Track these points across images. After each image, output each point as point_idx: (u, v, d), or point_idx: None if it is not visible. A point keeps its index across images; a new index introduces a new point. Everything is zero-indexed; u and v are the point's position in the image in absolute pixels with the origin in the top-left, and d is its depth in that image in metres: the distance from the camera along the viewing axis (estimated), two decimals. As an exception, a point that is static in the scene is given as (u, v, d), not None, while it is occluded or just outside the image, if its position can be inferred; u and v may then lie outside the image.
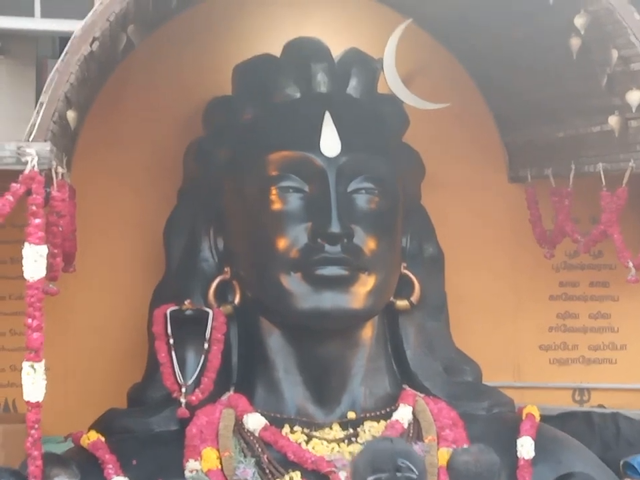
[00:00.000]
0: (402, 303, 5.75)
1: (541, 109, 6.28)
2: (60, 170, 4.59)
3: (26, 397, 4.30)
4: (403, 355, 5.79)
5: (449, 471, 4.29)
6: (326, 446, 5.21)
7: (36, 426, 4.32)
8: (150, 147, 6.23)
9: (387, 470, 2.99)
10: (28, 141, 4.40)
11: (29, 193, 4.31)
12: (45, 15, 6.35)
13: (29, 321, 4.29)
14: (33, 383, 4.27)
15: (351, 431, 5.30)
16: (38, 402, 4.29)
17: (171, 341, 5.49)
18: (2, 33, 7.49)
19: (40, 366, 4.30)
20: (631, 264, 5.36)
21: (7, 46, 8.02)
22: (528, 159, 6.65)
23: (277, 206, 5.41)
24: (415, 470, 3.22)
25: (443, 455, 5.18)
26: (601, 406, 6.83)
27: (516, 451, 5.38)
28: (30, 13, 6.34)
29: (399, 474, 2.99)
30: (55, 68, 4.51)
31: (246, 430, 5.25)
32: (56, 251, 4.54)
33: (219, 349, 5.49)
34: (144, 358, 5.70)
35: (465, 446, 4.91)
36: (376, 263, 5.43)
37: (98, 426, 5.41)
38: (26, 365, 4.28)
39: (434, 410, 5.46)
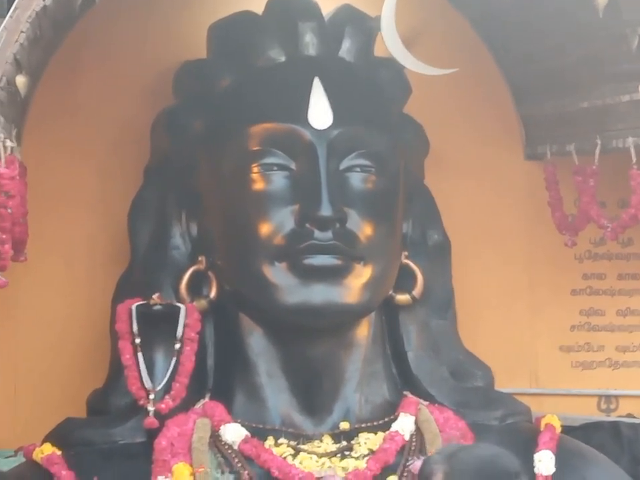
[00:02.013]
0: (403, 298, 5.76)
1: (562, 77, 6.27)
2: (8, 144, 4.58)
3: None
4: (404, 357, 5.80)
5: None
6: (315, 461, 5.20)
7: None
8: (113, 118, 6.21)
9: None
10: (-29, 108, 4.41)
11: (-30, 170, 4.33)
12: (-9, -34, 6.33)
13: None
14: (-24, 387, 4.29)
15: (344, 443, 5.31)
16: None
17: (137, 340, 5.45)
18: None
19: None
20: (665, 253, 5.38)
21: (-51, 3, 8.04)
22: (547, 133, 6.66)
23: (258, 186, 5.40)
24: None
25: (450, 470, 5.22)
26: (630, 415, 6.85)
27: (533, 467, 5.34)
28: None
29: None
30: (2, 26, 4.50)
31: (223, 443, 5.24)
32: (4, 236, 4.54)
33: (192, 349, 5.47)
34: (106, 360, 5.71)
35: (440, 449, 4.89)
36: (373, 251, 5.43)
37: (53, 438, 5.39)
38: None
39: (439, 420, 5.45)
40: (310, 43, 5.77)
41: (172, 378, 5.42)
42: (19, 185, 4.77)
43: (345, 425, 5.42)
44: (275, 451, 5.20)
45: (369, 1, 6.09)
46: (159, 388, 5.39)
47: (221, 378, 5.61)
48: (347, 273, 5.32)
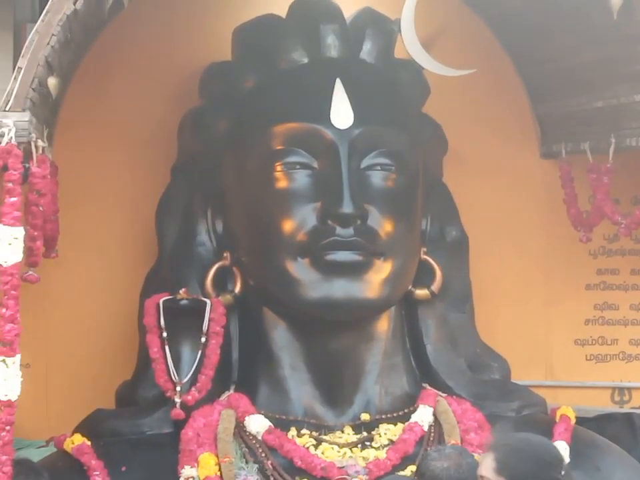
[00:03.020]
0: (422, 292, 5.74)
1: (577, 77, 6.23)
2: (40, 143, 4.56)
3: (-3, 395, 4.31)
4: (423, 350, 5.78)
5: (422, 479, 4.21)
6: (337, 451, 5.20)
7: (7, 428, 4.31)
8: (141, 119, 6.22)
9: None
10: (5, 110, 4.38)
11: (4, 168, 4.30)
12: (24, -28, 6.35)
13: (3, 310, 4.28)
14: (5, 379, 4.26)
15: (365, 434, 5.31)
16: (10, 401, 4.28)
17: (164, 334, 5.46)
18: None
19: (13, 361, 4.28)
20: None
21: (-19, 9, 8.05)
22: (562, 132, 6.61)
23: (282, 184, 5.39)
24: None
25: (469, 459, 5.20)
26: (643, 408, 6.84)
27: (549, 457, 5.35)
28: (7, -29, 6.34)
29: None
30: (34, 29, 4.48)
31: (248, 433, 5.24)
32: (36, 233, 4.52)
33: (217, 343, 5.46)
34: (134, 353, 5.71)
35: (438, 447, 4.85)
36: (393, 247, 5.40)
37: (83, 429, 5.40)
38: (-2, 360, 4.29)
39: (457, 411, 5.44)
40: (332, 45, 5.74)
41: (198, 370, 5.42)
42: (50, 183, 4.76)
43: (365, 416, 5.41)
44: (298, 441, 5.20)
45: (389, 4, 6.08)
46: (185, 380, 5.39)
47: (246, 370, 5.60)
48: (367, 269, 5.29)
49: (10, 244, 4.25)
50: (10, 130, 4.30)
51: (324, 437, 5.27)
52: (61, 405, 5.43)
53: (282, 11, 5.79)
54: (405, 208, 5.53)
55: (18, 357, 4.29)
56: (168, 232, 5.85)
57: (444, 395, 5.56)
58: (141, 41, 6.14)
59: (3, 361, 4.25)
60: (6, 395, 4.25)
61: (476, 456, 5.08)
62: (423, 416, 5.37)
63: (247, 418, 5.26)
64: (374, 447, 5.18)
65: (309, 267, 5.28)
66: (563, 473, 3.06)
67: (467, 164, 6.26)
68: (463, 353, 5.91)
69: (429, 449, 5.09)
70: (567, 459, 5.18)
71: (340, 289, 5.25)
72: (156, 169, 6.05)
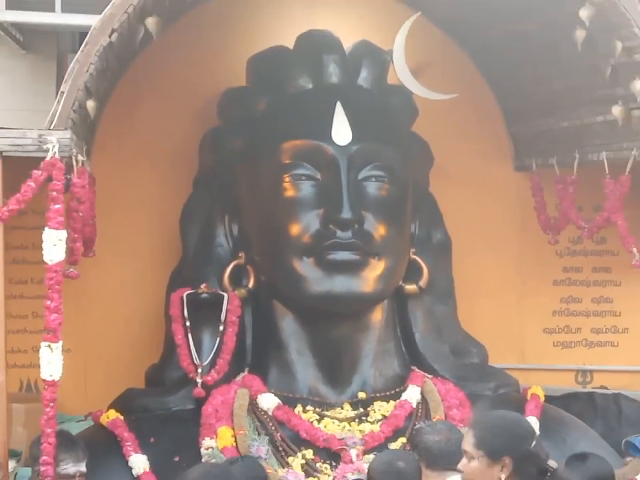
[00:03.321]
0: (411, 288, 5.72)
1: (546, 101, 6.24)
2: (80, 158, 4.58)
3: (42, 376, 4.30)
4: (412, 337, 5.77)
5: (416, 450, 4.10)
6: (337, 425, 5.20)
7: (51, 404, 4.32)
8: (167, 137, 6.21)
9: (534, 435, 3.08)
10: (49, 129, 4.39)
11: (49, 179, 4.31)
12: (65, 9, 6.34)
13: (48, 302, 4.28)
14: (50, 362, 4.27)
15: (361, 410, 5.30)
16: (54, 381, 4.29)
17: (188, 323, 5.47)
18: (24, 27, 7.49)
19: (57, 346, 4.29)
20: (635, 249, 5.32)
21: (29, 41, 8.03)
22: (533, 148, 6.62)
23: (289, 193, 5.39)
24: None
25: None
26: (603, 387, 6.81)
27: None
28: (51, 8, 6.33)
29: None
30: (75, 58, 4.49)
31: (260, 409, 5.24)
32: (76, 235, 4.54)
33: (233, 331, 5.47)
34: (161, 340, 5.70)
35: (430, 423, 4.83)
36: (386, 248, 5.40)
37: (117, 405, 5.40)
38: (43, 345, 4.28)
39: (442, 390, 5.43)
40: (333, 72, 5.73)
41: (216, 355, 5.43)
42: (88, 192, 4.77)
43: (362, 395, 5.40)
44: (303, 416, 5.20)
45: (382, 36, 6.05)
46: (205, 363, 5.39)
47: (258, 355, 5.59)
48: (364, 267, 5.29)
49: (55, 245, 4.26)
50: (54, 146, 4.31)
51: (326, 413, 5.26)
52: (97, 385, 5.44)
53: (289, 43, 5.79)
54: (396, 214, 5.52)
55: (60, 343, 4.30)
56: (190, 235, 5.85)
57: (430, 376, 5.55)
58: (166, 69, 6.14)
59: (48, 346, 4.26)
60: (50, 376, 4.26)
61: (459, 429, 5.12)
62: (412, 394, 5.37)
63: (259, 396, 5.26)
64: (369, 422, 5.18)
65: (313, 265, 5.28)
66: (533, 444, 3.05)
67: (451, 176, 6.24)
68: (446, 340, 5.90)
69: (417, 423, 5.09)
70: (537, 432, 5.19)
71: (340, 284, 5.25)
72: (180, 180, 6.02)
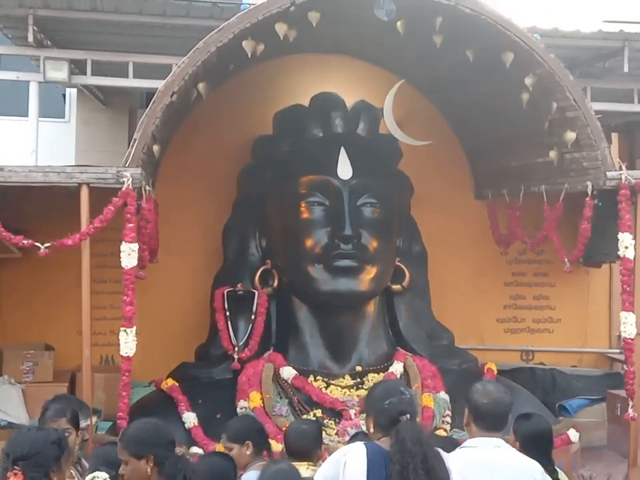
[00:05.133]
0: (396, 287, 5.73)
1: (499, 146, 6.26)
2: (147, 188, 4.62)
3: (121, 352, 4.35)
4: (397, 325, 5.76)
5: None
6: (340, 390, 5.20)
7: (127, 374, 4.38)
8: (212, 171, 6.23)
9: (395, 395, 2.99)
10: (125, 166, 4.44)
11: (125, 204, 4.36)
12: (136, 76, 6.37)
13: (124, 297, 4.34)
14: (126, 342, 4.33)
15: (358, 380, 5.29)
16: (129, 356, 4.35)
17: (227, 313, 5.49)
18: (104, 89, 7.56)
19: (131, 330, 4.34)
20: (566, 259, 5.35)
21: (108, 99, 8.11)
22: (489, 182, 6.63)
23: (305, 215, 5.40)
24: (410, 393, 3.22)
25: (426, 398, 5.17)
26: (541, 364, 6.83)
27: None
28: (125, 75, 6.36)
29: (402, 397, 2.99)
30: (144, 113, 4.54)
31: (281, 378, 5.24)
32: (144, 247, 4.58)
33: (262, 319, 5.50)
34: (207, 325, 5.70)
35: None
36: (377, 257, 5.40)
37: (173, 374, 5.43)
38: (122, 330, 4.33)
39: (419, 365, 5.42)
40: (338, 124, 5.76)
41: (249, 337, 5.45)
42: (153, 214, 4.81)
43: (359, 368, 5.41)
44: (314, 384, 5.20)
45: (375, 96, 6.09)
46: (240, 343, 5.42)
47: (280, 338, 5.59)
48: (361, 271, 5.30)
49: (129, 254, 4.31)
50: (128, 179, 4.36)
51: (331, 382, 5.26)
52: (158, 359, 5.44)
53: (305, 101, 5.82)
54: (385, 232, 5.52)
55: (134, 328, 4.34)
56: (230, 246, 5.87)
57: (410, 354, 5.53)
58: (212, 121, 6.17)
59: (125, 330, 4.30)
60: (126, 353, 4.31)
61: (432, 395, 5.12)
62: (396, 368, 5.37)
63: (281, 369, 5.26)
64: (364, 388, 5.13)
65: (323, 270, 5.29)
66: (388, 402, 2.98)
67: (426, 203, 6.22)
68: (423, 327, 5.89)
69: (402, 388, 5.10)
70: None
71: (343, 284, 5.27)
72: (222, 204, 6.03)
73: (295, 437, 3.60)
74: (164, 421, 3.52)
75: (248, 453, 3.59)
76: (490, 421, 3.05)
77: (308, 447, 3.54)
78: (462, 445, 3.17)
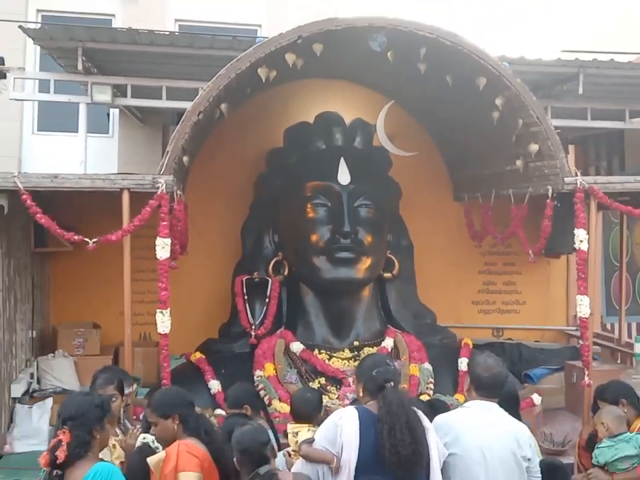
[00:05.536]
0: (387, 275, 5.73)
1: (474, 156, 6.24)
2: (178, 192, 4.62)
3: (158, 330, 4.36)
4: (388, 307, 5.76)
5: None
6: (340, 362, 5.22)
7: (165, 348, 4.39)
8: (233, 178, 6.22)
9: (382, 366, 3.02)
10: (159, 174, 4.44)
11: (159, 206, 4.37)
12: (168, 98, 6.38)
13: (159, 284, 4.34)
14: (162, 322, 4.34)
15: (356, 353, 5.29)
16: (166, 333, 4.36)
17: (246, 297, 5.49)
18: (141, 109, 7.55)
19: (166, 312, 4.35)
20: (530, 251, 5.35)
21: (145, 118, 8.10)
22: (465, 187, 6.62)
23: (311, 215, 5.40)
24: (395, 364, 3.26)
25: (412, 368, 5.20)
26: (509, 339, 6.82)
27: (457, 366, 5.37)
28: (159, 97, 6.37)
29: (388, 367, 3.02)
30: (176, 130, 4.53)
31: (291, 352, 5.26)
32: (176, 241, 4.59)
33: (274, 302, 5.51)
34: (228, 307, 5.71)
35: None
36: (371, 250, 5.40)
37: (200, 348, 5.45)
38: (158, 311, 4.34)
39: (407, 340, 5.44)
40: (338, 138, 5.76)
41: (264, 317, 5.46)
42: (183, 214, 4.82)
43: (356, 343, 5.41)
44: (319, 356, 5.22)
45: (369, 115, 6.07)
46: (257, 322, 5.43)
47: (290, 318, 5.59)
48: (357, 262, 5.31)
49: (163, 248, 4.32)
50: (162, 185, 4.37)
51: (333, 355, 5.27)
52: (188, 336, 5.41)
53: (310, 118, 5.83)
54: (378, 229, 5.52)
55: (168, 309, 4.35)
56: (247, 241, 5.87)
57: (399, 332, 5.55)
58: (233, 135, 6.15)
59: (161, 312, 4.31)
60: (163, 330, 4.33)
61: (417, 365, 5.11)
62: (387, 343, 5.39)
63: (291, 344, 5.28)
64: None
65: (325, 260, 5.29)
66: (376, 371, 3.01)
67: (412, 204, 6.23)
68: (410, 308, 5.90)
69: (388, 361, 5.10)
70: (466, 367, 5.10)
71: (343, 273, 5.27)
72: (240, 206, 6.03)
73: (299, 403, 3.60)
74: (193, 388, 3.58)
75: (248, 414, 3.63)
76: (489, 390, 3.09)
77: (310, 412, 3.54)
78: (463, 405, 3.21)
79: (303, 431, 3.35)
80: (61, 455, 2.62)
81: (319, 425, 3.12)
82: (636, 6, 10.10)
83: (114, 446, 3.33)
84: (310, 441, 2.95)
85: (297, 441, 3.28)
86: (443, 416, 3.13)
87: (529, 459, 3.03)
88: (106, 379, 3.59)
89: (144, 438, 3.32)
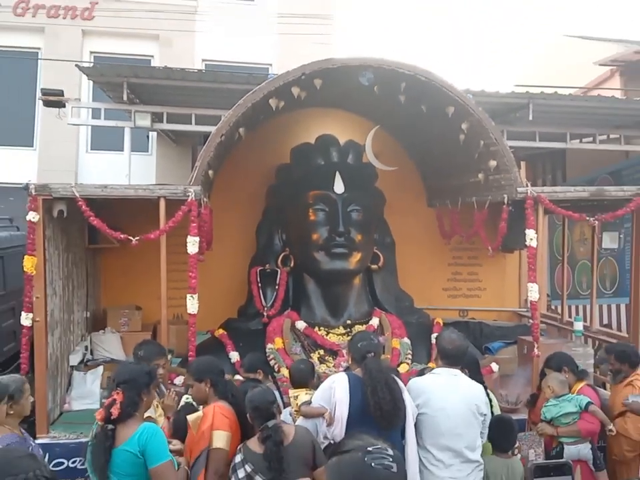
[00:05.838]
0: (374, 267, 5.72)
1: (444, 170, 6.22)
2: (205, 199, 4.61)
3: (188, 311, 4.35)
4: (374, 292, 5.75)
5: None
6: (336, 337, 5.22)
7: (193, 325, 4.38)
8: (249, 188, 6.19)
9: (366, 340, 3.04)
10: (189, 185, 4.44)
11: (189, 211, 4.36)
12: (197, 123, 6.39)
13: (190, 274, 4.33)
14: (192, 304, 4.33)
15: (349, 330, 5.29)
16: (194, 313, 4.35)
17: (259, 284, 5.51)
18: (175, 132, 7.55)
19: (195, 296, 4.34)
20: (490, 247, 5.34)
21: (178, 139, 8.11)
22: (437, 195, 6.59)
23: (312, 218, 5.38)
24: (378, 339, 3.29)
25: (394, 342, 5.20)
26: (472, 319, 6.80)
27: (431, 340, 5.35)
28: (189, 122, 6.38)
29: (371, 341, 3.05)
30: (203, 149, 4.52)
31: (297, 329, 5.26)
32: (203, 239, 4.57)
33: (283, 289, 5.51)
34: (245, 293, 5.70)
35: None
36: (361, 246, 5.39)
37: (223, 326, 5.44)
38: (188, 296, 4.33)
39: (389, 319, 5.44)
40: (334, 156, 5.72)
41: (274, 301, 5.45)
42: (209, 217, 4.78)
43: (349, 322, 5.41)
44: (319, 333, 5.22)
45: (359, 137, 6.07)
46: (268, 305, 5.43)
47: (295, 301, 5.58)
48: (350, 256, 5.29)
49: (192, 244, 4.31)
50: (192, 194, 4.36)
51: (330, 331, 5.27)
52: (212, 315, 5.41)
53: (312, 139, 5.81)
54: (367, 229, 5.50)
55: (196, 294, 4.34)
56: (261, 239, 5.85)
57: (384, 312, 5.54)
58: (248, 154, 6.12)
59: (191, 296, 4.29)
60: (192, 311, 4.31)
61: (398, 340, 5.09)
62: (374, 322, 5.38)
63: (296, 322, 5.28)
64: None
65: (324, 255, 5.28)
66: (362, 344, 3.02)
67: (394, 209, 6.19)
68: (392, 293, 5.88)
69: (372, 335, 5.09)
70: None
71: (338, 265, 5.26)
72: (255, 211, 6.01)
73: (295, 373, 3.62)
74: (217, 357, 3.58)
75: (260, 378, 3.65)
76: (452, 359, 3.14)
77: (305, 379, 3.56)
78: (431, 372, 3.24)
79: (302, 395, 3.38)
80: (115, 411, 2.63)
81: (314, 389, 3.15)
82: (575, 44, 10.10)
83: (157, 405, 3.33)
84: (308, 403, 2.99)
85: (297, 403, 3.31)
86: (416, 380, 3.17)
87: (484, 414, 3.11)
88: (149, 350, 3.59)
89: (187, 398, 3.33)
